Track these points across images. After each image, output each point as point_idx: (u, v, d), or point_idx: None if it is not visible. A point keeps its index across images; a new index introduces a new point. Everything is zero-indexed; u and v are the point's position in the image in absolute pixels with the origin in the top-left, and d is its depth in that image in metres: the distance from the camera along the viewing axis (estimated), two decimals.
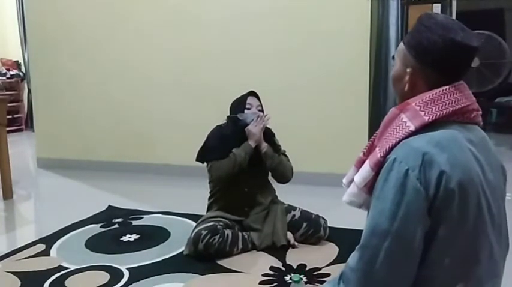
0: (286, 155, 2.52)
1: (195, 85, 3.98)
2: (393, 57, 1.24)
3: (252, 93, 2.46)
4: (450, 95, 1.09)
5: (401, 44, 1.20)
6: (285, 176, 2.48)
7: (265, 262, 2.24)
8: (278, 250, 2.34)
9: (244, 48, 3.81)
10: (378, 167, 1.10)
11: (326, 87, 3.60)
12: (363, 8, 3.48)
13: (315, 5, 3.59)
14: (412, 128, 1.07)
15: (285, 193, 2.62)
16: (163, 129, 4.14)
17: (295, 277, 1.60)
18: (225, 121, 2.48)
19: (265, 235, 2.38)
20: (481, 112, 1.15)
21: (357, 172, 1.19)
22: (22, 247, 2.46)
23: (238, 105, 2.43)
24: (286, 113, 3.62)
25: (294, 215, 2.46)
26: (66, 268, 2.20)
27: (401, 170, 1.02)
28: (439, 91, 1.10)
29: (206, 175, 2.44)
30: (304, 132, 3.64)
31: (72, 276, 2.12)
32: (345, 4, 3.51)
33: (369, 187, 1.14)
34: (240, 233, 2.35)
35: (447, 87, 1.10)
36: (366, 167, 1.14)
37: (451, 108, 1.08)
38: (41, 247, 2.47)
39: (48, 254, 2.38)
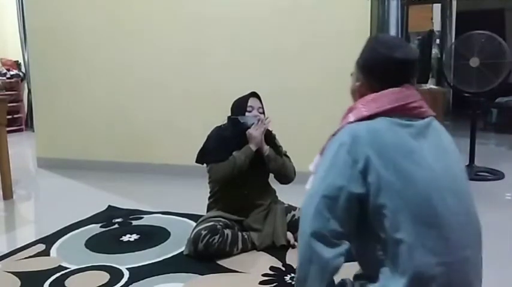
0: (288, 156, 2.52)
1: (195, 85, 3.98)
2: (351, 74, 1.48)
3: (254, 95, 2.45)
4: (390, 95, 1.32)
5: (355, 64, 1.44)
6: (288, 177, 2.48)
7: (265, 262, 2.24)
8: (278, 250, 2.34)
9: (244, 49, 3.81)
10: (323, 152, 1.37)
11: (326, 88, 3.60)
12: (362, 8, 3.48)
13: (315, 6, 3.59)
14: (351, 119, 1.33)
15: (285, 193, 2.62)
16: (163, 130, 4.14)
17: None
18: (225, 121, 2.47)
19: (265, 235, 2.38)
20: (424, 109, 1.35)
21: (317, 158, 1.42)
22: (22, 247, 2.46)
23: (239, 106, 2.42)
24: (287, 113, 3.63)
25: (294, 215, 2.46)
26: (66, 268, 2.20)
27: (336, 144, 1.30)
28: (380, 93, 1.33)
29: (206, 175, 2.44)
30: (305, 133, 3.64)
31: (72, 276, 2.12)
32: (345, 4, 3.51)
33: None
34: (239, 233, 2.35)
35: (386, 90, 1.33)
36: (317, 155, 1.41)
37: (389, 106, 1.30)
38: (41, 247, 2.47)
39: (48, 254, 2.38)
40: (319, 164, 1.36)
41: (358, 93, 1.41)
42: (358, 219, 1.28)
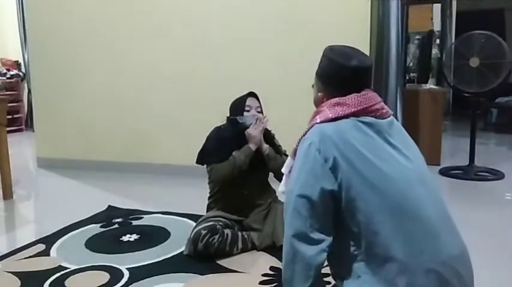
0: (287, 155, 2.52)
1: (195, 86, 3.99)
2: (312, 86, 1.55)
3: (252, 94, 2.45)
4: (353, 99, 1.38)
5: (315, 75, 1.52)
6: None
7: (265, 262, 2.24)
8: (278, 250, 2.33)
9: (245, 49, 3.81)
10: (295, 154, 1.43)
11: None
12: (362, 8, 3.48)
13: (315, 6, 3.59)
14: (318, 121, 1.39)
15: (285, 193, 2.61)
16: (163, 130, 4.14)
17: None
18: (224, 122, 2.47)
19: (265, 235, 2.38)
20: (385, 110, 1.43)
21: (289, 160, 1.49)
22: (22, 247, 2.46)
23: (238, 106, 2.42)
24: (287, 113, 3.62)
25: None
26: (66, 268, 2.20)
27: (306, 144, 1.36)
28: (343, 97, 1.39)
29: (206, 175, 2.44)
30: None
31: (72, 276, 2.12)
32: (345, 4, 3.51)
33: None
34: (239, 233, 2.35)
35: (349, 96, 1.39)
36: (289, 159, 1.49)
37: (353, 109, 1.37)
38: (41, 247, 2.47)
39: (48, 254, 2.38)
40: (291, 165, 1.43)
41: (320, 103, 1.48)
42: (333, 216, 1.33)
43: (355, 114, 1.37)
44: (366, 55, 1.48)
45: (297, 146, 1.42)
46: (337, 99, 1.40)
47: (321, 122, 1.38)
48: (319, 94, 1.50)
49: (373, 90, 1.46)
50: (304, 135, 1.42)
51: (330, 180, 1.29)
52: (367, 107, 1.39)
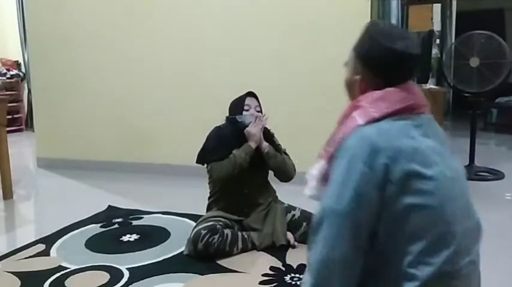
0: (287, 154, 2.53)
1: (195, 86, 3.99)
2: (345, 64, 1.33)
3: (251, 94, 2.46)
4: (396, 94, 1.21)
5: (351, 52, 1.29)
6: (288, 175, 2.48)
7: (265, 262, 2.24)
8: (278, 250, 2.34)
9: (244, 49, 3.81)
10: (331, 159, 1.21)
11: (326, 88, 3.59)
12: (362, 8, 3.48)
13: (314, 6, 3.58)
14: (361, 122, 1.18)
15: (285, 193, 2.62)
16: (163, 130, 4.14)
17: None
18: (224, 122, 2.48)
19: (265, 235, 2.38)
20: (427, 107, 1.26)
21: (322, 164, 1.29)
22: (22, 247, 2.46)
23: (237, 106, 2.43)
24: (287, 113, 3.63)
25: (293, 215, 2.46)
26: (66, 268, 2.20)
27: (349, 154, 1.15)
28: (386, 91, 1.21)
29: (206, 175, 2.44)
30: (305, 133, 3.64)
31: (72, 276, 2.12)
32: (345, 4, 3.51)
33: (325, 179, 1.22)
34: (239, 233, 2.35)
35: (392, 88, 1.21)
36: (322, 160, 1.26)
37: (399, 106, 1.19)
38: (41, 247, 2.47)
39: (48, 254, 2.38)
40: (323, 170, 1.23)
41: (358, 89, 1.27)
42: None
43: (399, 112, 1.19)
44: (415, 39, 1.26)
45: (334, 150, 1.21)
46: (379, 93, 1.21)
47: (365, 123, 1.18)
48: (356, 77, 1.27)
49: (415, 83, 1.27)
50: (342, 138, 1.19)
51: (377, 199, 1.13)
52: (412, 103, 1.21)
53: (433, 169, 1.14)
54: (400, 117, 1.19)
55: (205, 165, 2.42)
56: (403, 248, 1.14)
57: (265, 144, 2.42)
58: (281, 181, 2.51)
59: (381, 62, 1.22)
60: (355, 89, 1.28)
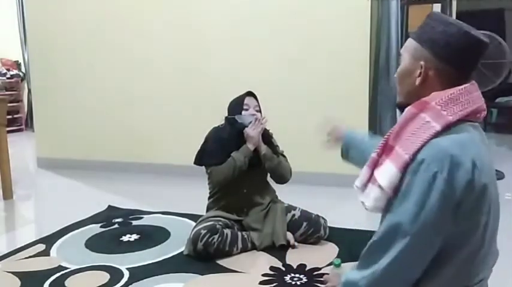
0: (284, 156, 2.52)
1: (195, 86, 3.98)
2: (400, 54, 1.22)
3: (250, 94, 2.46)
4: (466, 95, 1.08)
5: (410, 40, 1.17)
6: (283, 177, 2.48)
7: (265, 262, 2.24)
8: (278, 250, 2.34)
9: (245, 49, 3.81)
10: (406, 169, 1.07)
11: (326, 88, 3.60)
12: (362, 8, 3.48)
13: (315, 7, 3.58)
14: (438, 128, 1.05)
15: (285, 193, 2.62)
16: (163, 130, 4.14)
17: (336, 261, 1.66)
18: (223, 122, 2.47)
19: (265, 235, 2.38)
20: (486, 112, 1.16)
21: (371, 172, 1.18)
22: (22, 247, 2.47)
23: (236, 106, 2.43)
24: (287, 113, 3.63)
25: (293, 215, 2.46)
26: (66, 268, 2.20)
27: (430, 172, 1.02)
28: (457, 90, 1.08)
29: (206, 175, 2.44)
30: (305, 133, 3.63)
31: (72, 276, 2.12)
32: (345, 5, 3.51)
33: (395, 189, 1.10)
34: (239, 233, 2.36)
35: (463, 86, 1.09)
36: (392, 169, 1.09)
37: (470, 108, 1.07)
38: (41, 247, 2.47)
39: (48, 254, 2.38)
40: (395, 182, 1.09)
41: (421, 77, 1.13)
42: None
43: (469, 115, 1.08)
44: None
45: (410, 159, 1.06)
46: (448, 92, 1.08)
47: (442, 130, 1.05)
48: (422, 63, 1.12)
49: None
50: (418, 148, 1.06)
51: (455, 222, 1.04)
52: (479, 107, 1.10)
53: (493, 183, 1.09)
54: (469, 122, 1.09)
55: (204, 167, 2.42)
56: (457, 270, 1.10)
57: (263, 146, 2.41)
58: (276, 182, 2.51)
59: (455, 46, 1.08)
60: (414, 78, 1.14)
